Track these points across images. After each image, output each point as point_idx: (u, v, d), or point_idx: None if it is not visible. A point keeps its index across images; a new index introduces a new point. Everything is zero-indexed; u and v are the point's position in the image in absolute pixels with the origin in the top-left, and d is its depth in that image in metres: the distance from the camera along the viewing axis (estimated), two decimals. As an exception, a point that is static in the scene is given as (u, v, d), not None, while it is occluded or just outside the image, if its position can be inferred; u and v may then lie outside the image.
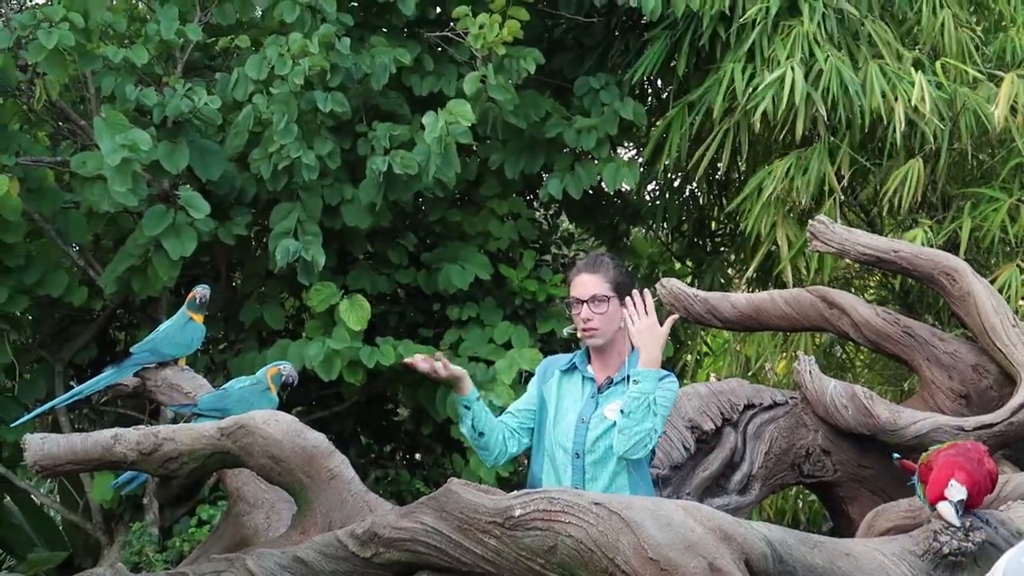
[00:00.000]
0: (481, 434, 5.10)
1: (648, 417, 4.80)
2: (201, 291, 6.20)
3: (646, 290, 4.91)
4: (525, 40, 8.57)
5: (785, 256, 8.53)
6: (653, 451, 5.03)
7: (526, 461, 9.39)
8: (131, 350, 6.08)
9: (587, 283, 5.09)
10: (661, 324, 4.91)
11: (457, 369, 5.02)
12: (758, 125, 8.29)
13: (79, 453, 4.91)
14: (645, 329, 4.86)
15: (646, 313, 4.87)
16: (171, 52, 8.48)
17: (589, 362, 5.15)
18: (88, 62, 7.94)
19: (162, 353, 6.05)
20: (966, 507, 4.46)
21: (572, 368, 5.16)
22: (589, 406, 5.03)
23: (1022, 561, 2.24)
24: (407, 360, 5.01)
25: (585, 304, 5.05)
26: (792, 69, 8.08)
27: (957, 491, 4.39)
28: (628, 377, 4.93)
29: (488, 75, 8.24)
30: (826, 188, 8.37)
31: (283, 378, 5.81)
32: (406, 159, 8.16)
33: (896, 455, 5.28)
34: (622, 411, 4.83)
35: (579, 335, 5.12)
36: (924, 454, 4.68)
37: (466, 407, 5.08)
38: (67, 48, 7.61)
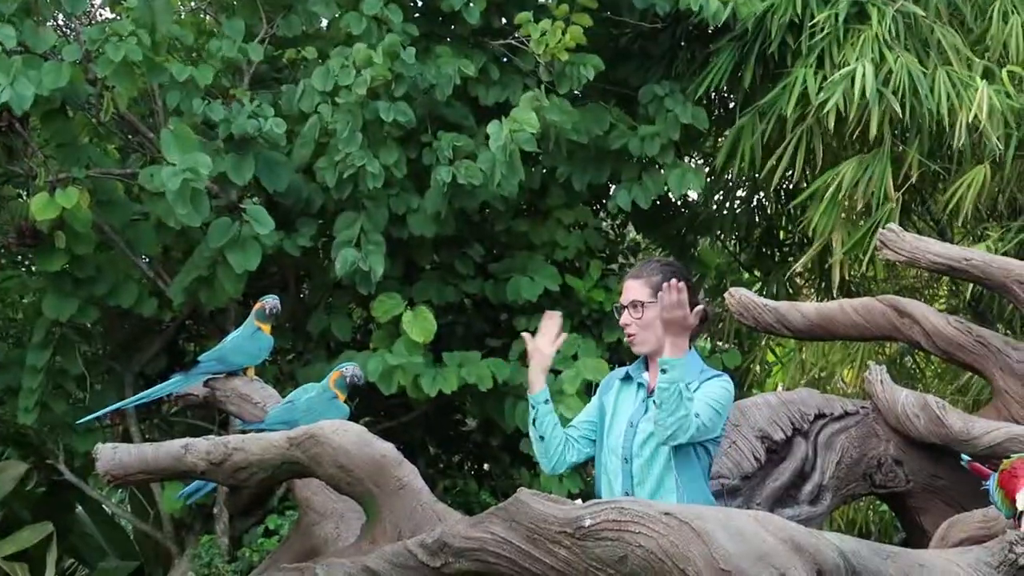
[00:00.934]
0: (541, 437, 5.14)
1: (681, 405, 4.76)
2: (271, 302, 6.17)
3: (676, 281, 4.85)
4: (590, 49, 8.55)
5: (837, 254, 8.53)
6: (710, 452, 5.02)
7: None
8: (199, 359, 6.09)
9: (630, 288, 5.10)
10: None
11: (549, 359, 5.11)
12: (832, 122, 8.21)
13: (150, 463, 4.93)
14: (672, 317, 4.76)
15: (676, 303, 4.79)
16: (238, 66, 8.53)
17: (646, 369, 5.13)
18: (156, 75, 8.01)
19: (230, 362, 6.04)
20: None
21: (629, 377, 5.17)
22: (639, 410, 5.03)
23: None
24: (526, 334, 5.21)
25: (625, 309, 5.07)
26: (863, 66, 8.04)
27: None
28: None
29: (540, 97, 8.22)
30: (882, 193, 8.32)
31: (348, 380, 5.77)
32: (470, 169, 8.17)
33: (966, 458, 5.21)
34: (655, 402, 4.82)
35: (626, 340, 5.16)
36: (1006, 460, 4.61)
37: (532, 406, 5.13)
38: (135, 61, 7.67)
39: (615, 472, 5.03)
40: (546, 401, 5.15)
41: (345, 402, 5.76)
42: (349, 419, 5.16)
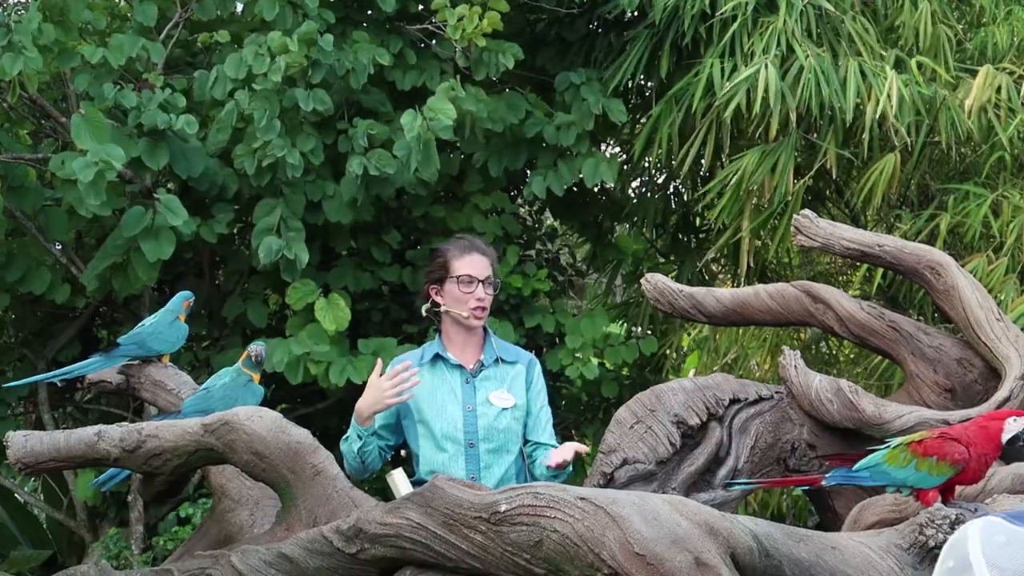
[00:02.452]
0: (363, 461, 5.27)
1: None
2: (191, 298, 6.23)
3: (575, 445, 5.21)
4: (506, 34, 8.55)
5: (744, 243, 8.61)
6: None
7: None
8: (118, 340, 6.07)
9: (482, 264, 5.25)
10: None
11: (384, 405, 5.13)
12: (729, 121, 8.32)
13: (62, 450, 4.90)
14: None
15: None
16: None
17: (446, 349, 5.26)
18: (67, 60, 7.90)
19: (148, 347, 6.02)
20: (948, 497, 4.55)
21: (435, 358, 5.23)
22: (468, 393, 5.14)
23: (997, 539, 2.23)
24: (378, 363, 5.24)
25: (481, 284, 5.18)
26: (766, 67, 8.10)
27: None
28: (499, 359, 5.13)
29: (456, 87, 8.18)
30: (785, 182, 8.40)
31: (253, 358, 5.75)
32: (382, 159, 8.13)
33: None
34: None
35: (466, 314, 5.18)
36: (902, 437, 4.73)
37: (359, 436, 5.22)
38: (45, 46, 7.56)
39: (456, 459, 5.09)
40: (372, 433, 5.25)
41: (260, 383, 5.75)
42: (264, 405, 5.15)
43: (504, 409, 5.10)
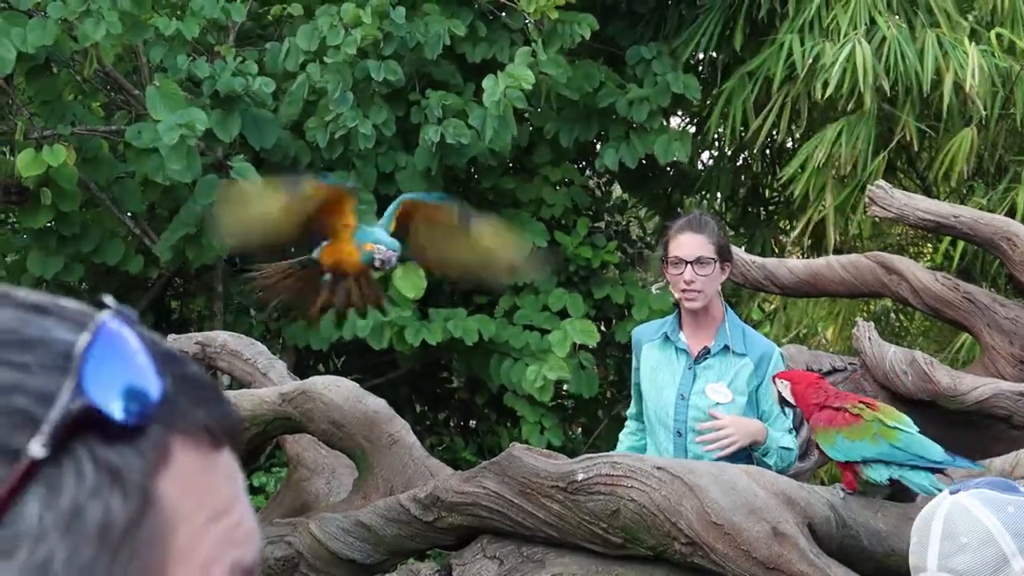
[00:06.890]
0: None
1: (788, 453, 4.85)
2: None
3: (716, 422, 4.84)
4: (577, 6, 8.52)
5: (830, 217, 8.52)
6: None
7: (579, 429, 9.35)
8: None
9: (692, 243, 4.90)
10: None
11: None
12: (821, 95, 8.22)
13: (142, 419, 4.94)
14: (734, 431, 4.74)
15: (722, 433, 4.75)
16: (223, 24, 8.47)
17: (680, 329, 4.99)
18: (139, 33, 7.95)
19: None
20: None
21: (665, 339, 4.99)
22: (687, 379, 4.87)
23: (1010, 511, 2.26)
24: None
25: (689, 265, 4.88)
26: (860, 43, 8.01)
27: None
28: (727, 347, 4.84)
29: (538, 50, 8.17)
30: (868, 154, 8.32)
31: (377, 262, 5.32)
32: (458, 128, 8.14)
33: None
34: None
35: (678, 296, 4.95)
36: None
37: None
38: (121, 16, 7.61)
39: (665, 445, 4.83)
40: None
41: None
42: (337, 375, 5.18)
43: (718, 404, 4.88)
